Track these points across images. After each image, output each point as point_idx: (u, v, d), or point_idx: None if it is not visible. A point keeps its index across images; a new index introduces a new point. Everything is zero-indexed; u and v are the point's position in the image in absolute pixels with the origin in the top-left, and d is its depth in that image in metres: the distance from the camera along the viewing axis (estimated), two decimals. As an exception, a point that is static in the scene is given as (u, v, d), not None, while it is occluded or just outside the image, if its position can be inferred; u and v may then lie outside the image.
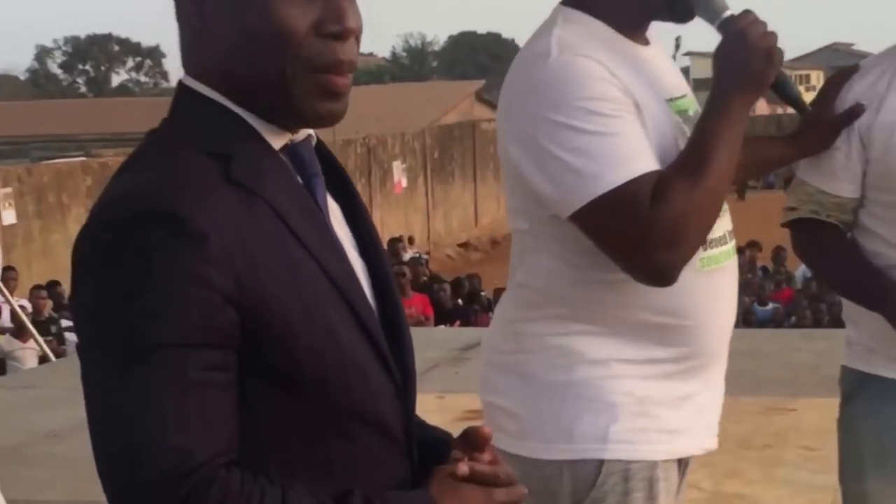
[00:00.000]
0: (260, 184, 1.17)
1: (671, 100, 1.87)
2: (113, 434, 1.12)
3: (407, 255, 16.96)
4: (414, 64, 63.90)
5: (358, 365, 1.21)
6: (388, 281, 1.32)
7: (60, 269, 13.87)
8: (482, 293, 13.51)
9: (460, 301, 12.89)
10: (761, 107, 44.79)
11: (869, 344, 2.28)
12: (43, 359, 9.67)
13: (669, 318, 1.83)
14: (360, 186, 22.91)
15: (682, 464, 1.93)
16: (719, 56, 1.79)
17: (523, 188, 1.81)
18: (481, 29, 78.29)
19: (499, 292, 13.12)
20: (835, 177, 2.25)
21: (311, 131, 1.26)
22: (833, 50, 66.19)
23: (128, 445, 1.11)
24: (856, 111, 2.20)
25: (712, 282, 1.85)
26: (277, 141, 1.22)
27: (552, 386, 1.84)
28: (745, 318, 11.69)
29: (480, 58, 62.98)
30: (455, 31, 69.41)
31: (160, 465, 1.09)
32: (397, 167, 23.97)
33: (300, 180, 1.24)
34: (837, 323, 2.71)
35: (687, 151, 1.77)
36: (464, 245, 25.27)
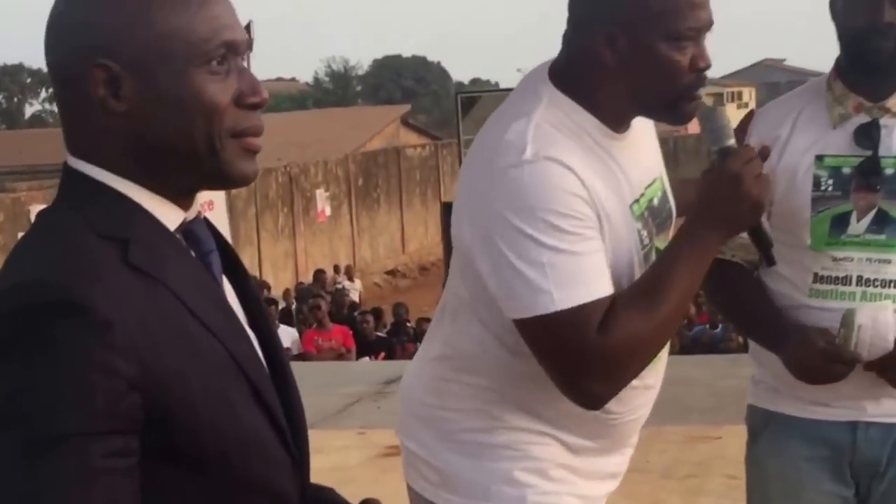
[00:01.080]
0: (158, 267, 1.21)
1: (636, 200, 1.85)
2: None
3: (346, 286, 16.88)
4: (337, 88, 63.43)
5: (259, 440, 1.25)
6: (279, 352, 1.37)
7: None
8: (408, 323, 13.37)
9: (385, 332, 12.73)
10: (693, 125, 45.23)
11: (773, 382, 2.30)
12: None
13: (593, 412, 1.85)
14: (282, 216, 22.70)
15: None
16: (707, 189, 1.76)
17: (471, 267, 1.79)
18: (406, 52, 78.37)
19: (422, 322, 13.01)
20: None
21: (200, 209, 1.32)
22: (765, 66, 67.49)
23: None
24: (762, 154, 2.18)
25: (642, 383, 1.85)
26: (173, 221, 1.26)
27: (471, 446, 1.87)
28: (680, 342, 11.68)
29: (406, 81, 62.99)
30: (379, 55, 69.30)
31: None
32: (320, 195, 23.84)
33: (195, 258, 1.28)
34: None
35: (646, 280, 1.76)
36: (391, 272, 25.18)
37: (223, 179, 1.28)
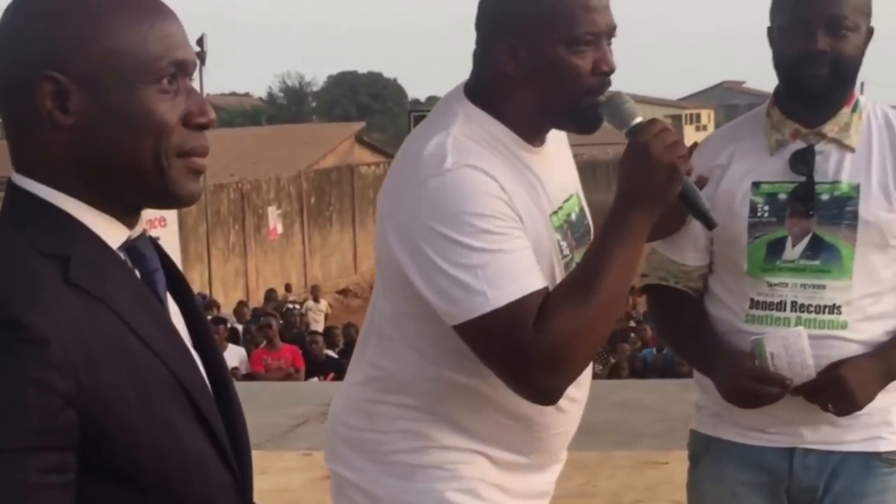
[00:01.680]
0: (99, 286, 1.21)
1: (554, 212, 1.88)
2: None
3: (311, 306, 16.71)
4: (292, 104, 63.12)
5: (200, 461, 1.26)
6: (224, 372, 1.38)
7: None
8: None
9: (334, 352, 12.61)
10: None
11: (715, 408, 2.32)
12: None
13: (520, 423, 1.88)
14: (233, 233, 22.48)
15: None
16: (622, 169, 1.78)
17: (395, 280, 1.81)
18: (362, 68, 78.32)
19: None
20: (680, 247, 2.32)
21: (146, 226, 1.32)
22: (724, 88, 67.93)
23: None
24: (699, 185, 2.23)
25: (565, 395, 1.85)
26: (116, 239, 1.27)
27: (402, 467, 1.88)
28: (633, 366, 11.67)
29: (361, 98, 62.82)
30: (334, 71, 69.12)
31: None
32: (272, 213, 23.67)
33: (140, 276, 1.28)
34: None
35: (579, 270, 1.77)
36: (343, 292, 25.03)
37: (168, 198, 1.28)
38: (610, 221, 1.75)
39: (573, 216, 1.93)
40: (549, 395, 1.75)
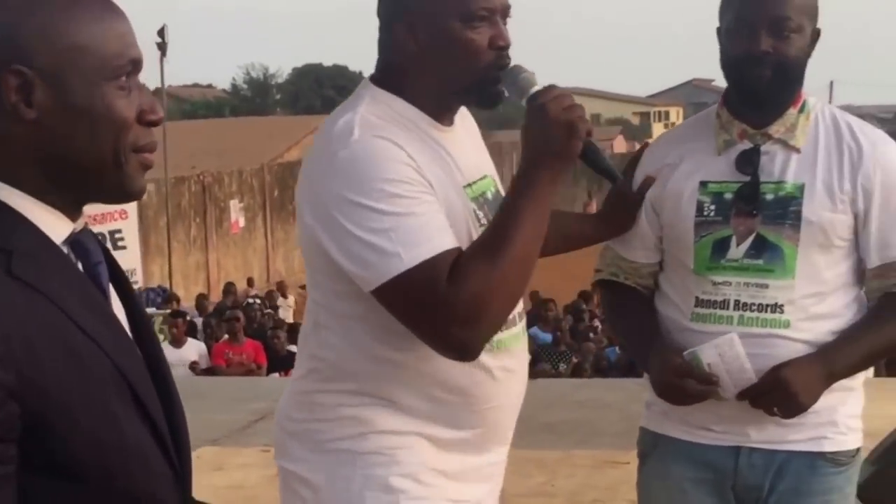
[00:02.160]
0: (42, 279, 1.22)
1: (468, 185, 1.92)
2: None
3: (280, 303, 16.60)
4: (256, 96, 62.64)
5: (141, 453, 1.27)
6: (163, 366, 1.39)
7: None
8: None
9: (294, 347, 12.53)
10: (619, 144, 45.83)
11: (663, 406, 2.33)
12: None
13: (456, 396, 1.90)
14: (194, 226, 22.27)
15: None
16: (524, 134, 1.83)
17: (318, 261, 1.86)
18: (327, 61, 77.66)
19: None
20: (631, 244, 2.36)
21: (86, 221, 1.34)
22: (693, 86, 68.04)
23: None
24: (646, 184, 2.31)
25: (498, 365, 1.91)
26: (60, 233, 1.28)
27: (343, 454, 1.90)
28: (597, 364, 11.65)
29: (326, 91, 62.39)
30: (299, 63, 68.53)
31: None
32: (234, 206, 23.50)
33: (84, 269, 1.30)
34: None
35: (489, 229, 1.82)
36: (306, 286, 24.86)
37: (121, 193, 1.32)
38: (516, 182, 1.81)
39: (489, 195, 1.98)
40: (466, 350, 1.79)
